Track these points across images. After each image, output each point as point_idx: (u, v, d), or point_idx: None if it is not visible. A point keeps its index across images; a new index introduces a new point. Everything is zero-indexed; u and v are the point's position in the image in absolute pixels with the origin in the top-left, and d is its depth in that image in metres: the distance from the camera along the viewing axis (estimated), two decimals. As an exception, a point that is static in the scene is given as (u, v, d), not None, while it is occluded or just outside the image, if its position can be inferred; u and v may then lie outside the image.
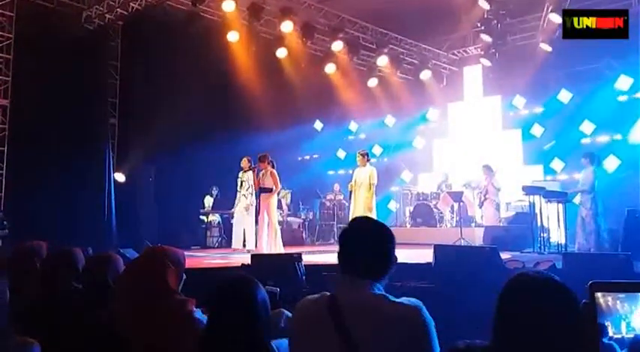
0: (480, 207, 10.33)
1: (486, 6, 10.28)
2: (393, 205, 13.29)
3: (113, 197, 10.21)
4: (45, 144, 9.44)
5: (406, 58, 12.98)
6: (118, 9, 10.19)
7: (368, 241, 1.87)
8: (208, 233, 11.18)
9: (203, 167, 10.99)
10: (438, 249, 5.47)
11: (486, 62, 12.05)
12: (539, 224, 8.71)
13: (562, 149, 11.34)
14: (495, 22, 10.89)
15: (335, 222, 12.15)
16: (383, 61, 12.16)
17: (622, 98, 10.74)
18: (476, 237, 9.39)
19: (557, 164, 11.49)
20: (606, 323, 1.10)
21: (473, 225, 10.59)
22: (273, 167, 8.56)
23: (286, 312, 2.35)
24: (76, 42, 9.99)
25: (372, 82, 13.13)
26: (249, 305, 1.87)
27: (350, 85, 13.15)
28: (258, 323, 1.87)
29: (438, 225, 11.11)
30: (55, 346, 2.16)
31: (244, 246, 9.19)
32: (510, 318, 1.47)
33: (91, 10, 10.43)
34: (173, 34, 10.10)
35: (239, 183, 9.28)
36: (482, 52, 12.12)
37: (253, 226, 8.91)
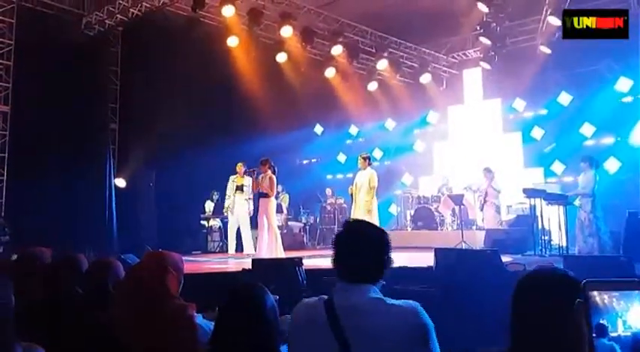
0: (481, 210, 10.31)
1: (485, 9, 10.29)
2: (393, 209, 13.28)
3: (114, 202, 10.22)
4: (45, 149, 9.46)
5: (406, 62, 13.00)
6: (117, 15, 10.23)
7: (363, 245, 1.84)
8: (209, 237, 11.18)
9: (203, 172, 11.00)
10: (439, 253, 5.47)
11: (486, 65, 12.06)
12: (540, 227, 8.70)
13: (562, 151, 11.33)
14: (495, 25, 10.90)
15: (336, 226, 12.13)
16: (383, 64, 12.17)
17: (624, 100, 10.73)
18: (477, 240, 9.38)
19: (557, 166, 11.49)
20: (603, 322, 1.10)
21: (474, 228, 10.58)
22: (273, 172, 8.58)
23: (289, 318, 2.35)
24: (76, 48, 10.03)
25: (372, 86, 13.15)
26: (258, 312, 1.87)
27: (350, 89, 13.17)
28: (267, 329, 1.87)
29: (438, 229, 11.11)
30: (56, 347, 2.16)
31: (237, 250, 9.28)
32: (526, 318, 1.45)
33: (91, 16, 10.47)
34: (173, 40, 10.12)
35: (234, 188, 9.33)
36: (482, 55, 12.13)
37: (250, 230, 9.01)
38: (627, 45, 7.57)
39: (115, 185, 10.46)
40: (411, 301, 1.75)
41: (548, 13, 9.83)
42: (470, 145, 12.99)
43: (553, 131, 11.63)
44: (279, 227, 9.19)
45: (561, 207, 8.36)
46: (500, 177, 10.27)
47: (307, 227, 12.36)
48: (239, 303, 1.93)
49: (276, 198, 9.08)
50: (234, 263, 8.10)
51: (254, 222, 9.45)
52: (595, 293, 1.11)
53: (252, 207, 9.43)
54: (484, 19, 10.88)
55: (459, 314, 3.86)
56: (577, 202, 8.43)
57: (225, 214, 9.71)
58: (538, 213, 8.62)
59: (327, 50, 11.73)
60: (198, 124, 10.99)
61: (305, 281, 4.99)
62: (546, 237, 8.79)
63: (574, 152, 10.61)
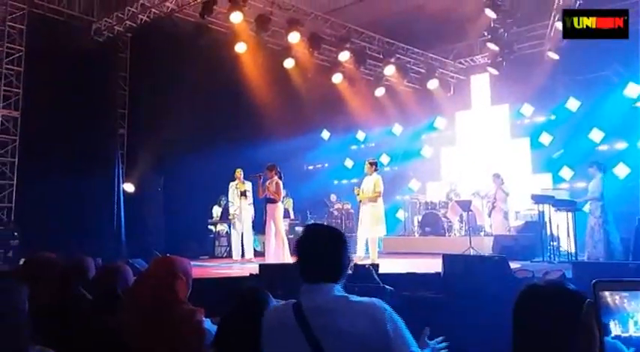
0: (489, 216, 10.27)
1: (493, 15, 10.28)
2: (401, 214, 13.24)
3: (122, 207, 10.27)
4: (55, 154, 9.53)
5: (413, 68, 13.00)
6: (127, 21, 10.31)
7: (320, 246, 1.91)
8: (217, 242, 11.20)
9: (211, 177, 11.03)
10: (447, 259, 5.44)
11: (494, 71, 12.04)
12: (548, 233, 8.65)
13: (571, 157, 11.26)
14: (502, 30, 10.88)
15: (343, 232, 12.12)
16: (390, 70, 12.18)
17: (638, 104, 10.64)
18: (485, 247, 9.33)
19: (566, 172, 11.41)
20: (614, 322, 1.09)
21: (482, 234, 10.52)
22: (280, 178, 8.61)
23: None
24: (85, 54, 10.13)
25: (380, 92, 13.16)
26: (260, 316, 1.91)
27: (357, 95, 13.18)
28: None
29: (446, 234, 11.06)
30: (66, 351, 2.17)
31: (242, 256, 9.32)
32: (527, 329, 1.45)
33: (101, 22, 10.57)
34: (181, 46, 10.19)
35: (237, 194, 9.37)
36: (490, 61, 12.11)
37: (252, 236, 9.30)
38: (636, 50, 7.53)
39: (123, 190, 10.51)
40: (373, 298, 1.82)
41: (556, 18, 9.80)
42: (477, 151, 12.95)
43: (561, 137, 11.56)
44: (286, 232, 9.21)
45: (570, 214, 8.31)
46: (509, 183, 10.24)
47: (314, 232, 12.32)
48: (242, 307, 2.00)
49: (281, 202, 9.12)
50: (241, 268, 8.11)
51: (257, 227, 9.52)
52: (606, 293, 1.11)
53: (253, 211, 9.51)
54: (492, 25, 10.87)
55: (466, 321, 3.84)
56: (587, 208, 8.39)
57: (232, 221, 9.73)
58: (547, 219, 8.57)
59: (334, 56, 11.76)
60: (206, 130, 11.05)
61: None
62: (555, 244, 8.73)
63: (583, 158, 10.53)
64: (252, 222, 9.57)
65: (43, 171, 9.30)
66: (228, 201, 9.97)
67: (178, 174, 10.78)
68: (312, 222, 12.67)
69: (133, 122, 11.13)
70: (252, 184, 9.35)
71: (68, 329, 2.40)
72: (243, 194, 9.39)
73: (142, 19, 10.21)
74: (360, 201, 8.45)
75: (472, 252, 8.61)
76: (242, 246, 9.52)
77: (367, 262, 7.04)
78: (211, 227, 11.46)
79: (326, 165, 15.37)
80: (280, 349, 1.84)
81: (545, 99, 11.92)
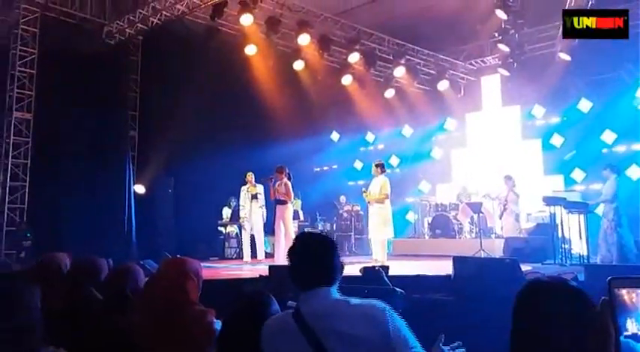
0: (500, 218, 10.21)
1: (504, 16, 10.22)
2: (411, 216, 13.20)
3: (133, 208, 10.34)
4: (67, 156, 9.64)
5: (423, 69, 12.96)
6: (138, 24, 10.39)
7: (309, 252, 1.93)
8: (226, 244, 11.23)
9: (221, 178, 11.08)
10: (458, 261, 5.41)
11: (504, 72, 11.97)
12: (560, 235, 8.57)
13: (583, 159, 11.15)
14: (513, 31, 10.82)
15: (352, 233, 12.11)
16: (400, 71, 12.15)
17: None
18: (496, 249, 9.27)
19: (577, 174, 11.31)
20: (630, 320, 1.08)
21: (493, 236, 10.46)
22: (289, 179, 8.62)
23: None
24: (97, 56, 10.21)
25: (389, 93, 13.13)
26: (263, 318, 1.93)
27: (367, 96, 13.16)
28: None
29: (457, 237, 10.99)
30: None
31: (252, 257, 9.34)
32: (526, 330, 1.44)
33: (112, 25, 10.66)
34: (192, 48, 10.25)
35: (249, 197, 9.40)
36: (500, 62, 12.04)
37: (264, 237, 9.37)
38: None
39: (134, 191, 10.58)
40: (373, 300, 1.81)
41: (568, 19, 9.72)
42: (488, 152, 12.87)
43: (573, 138, 11.46)
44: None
45: (582, 216, 8.23)
46: (520, 185, 10.17)
47: (324, 234, 12.31)
48: (244, 309, 2.03)
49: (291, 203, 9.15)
50: (251, 269, 8.13)
51: (268, 228, 9.55)
52: (623, 291, 1.09)
53: (265, 213, 9.53)
54: (502, 26, 10.80)
55: (476, 323, 3.82)
56: (600, 210, 8.30)
57: (242, 224, 9.76)
58: (558, 222, 8.49)
59: (344, 58, 11.76)
60: (216, 131, 11.10)
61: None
62: (567, 246, 8.64)
63: (594, 159, 10.44)
64: (264, 224, 9.59)
65: (55, 172, 9.41)
66: (238, 204, 10.00)
67: (188, 175, 10.83)
68: (321, 223, 12.68)
69: (143, 124, 11.21)
70: (265, 187, 9.37)
71: (79, 329, 2.42)
72: (255, 197, 9.42)
73: (153, 22, 10.28)
74: (369, 202, 8.44)
75: (483, 255, 8.56)
76: (253, 246, 9.54)
77: (374, 264, 7.03)
78: (221, 228, 11.50)
79: (335, 166, 15.37)
80: None
81: (557, 101, 11.83)
